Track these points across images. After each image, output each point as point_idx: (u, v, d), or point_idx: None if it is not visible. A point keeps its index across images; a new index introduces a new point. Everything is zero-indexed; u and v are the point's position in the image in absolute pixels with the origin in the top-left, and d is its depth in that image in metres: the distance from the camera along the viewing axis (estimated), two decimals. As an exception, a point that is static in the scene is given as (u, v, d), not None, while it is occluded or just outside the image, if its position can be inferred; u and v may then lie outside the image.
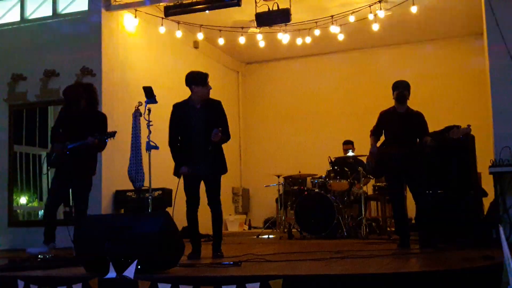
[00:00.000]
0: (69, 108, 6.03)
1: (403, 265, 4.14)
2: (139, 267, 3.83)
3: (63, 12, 8.79)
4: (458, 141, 5.69)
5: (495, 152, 6.17)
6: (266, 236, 8.80)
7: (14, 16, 9.07)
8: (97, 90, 6.36)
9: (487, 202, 6.90)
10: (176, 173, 5.43)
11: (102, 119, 6.00)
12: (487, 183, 7.50)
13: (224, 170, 5.48)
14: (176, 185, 5.43)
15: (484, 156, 6.65)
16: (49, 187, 6.28)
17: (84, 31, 8.41)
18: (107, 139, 5.77)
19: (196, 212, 5.49)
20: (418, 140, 5.91)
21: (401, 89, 5.95)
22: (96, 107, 6.18)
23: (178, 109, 5.53)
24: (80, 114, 5.95)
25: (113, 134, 5.76)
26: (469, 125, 5.67)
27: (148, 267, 3.93)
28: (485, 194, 6.92)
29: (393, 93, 5.99)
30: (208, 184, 5.42)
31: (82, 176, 5.94)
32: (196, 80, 5.50)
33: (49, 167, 6.10)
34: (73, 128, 5.86)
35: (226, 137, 5.36)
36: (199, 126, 5.32)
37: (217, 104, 5.52)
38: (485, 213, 6.75)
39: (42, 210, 8.80)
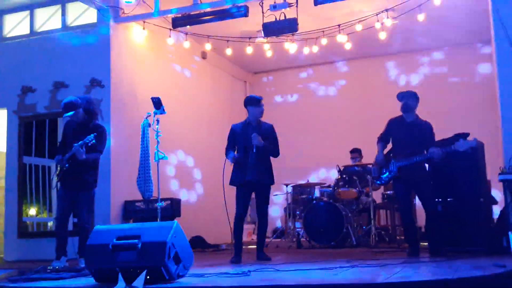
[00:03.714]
0: (70, 120, 6.12)
1: (413, 273, 4.11)
2: (148, 277, 3.84)
3: (73, 24, 8.87)
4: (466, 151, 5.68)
5: (505, 159, 6.13)
6: (275, 246, 8.77)
7: (24, 29, 9.16)
8: (96, 103, 6.44)
9: (497, 209, 6.86)
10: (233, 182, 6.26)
11: (100, 130, 6.04)
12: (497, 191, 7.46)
13: (271, 180, 6.23)
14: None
15: (494, 163, 6.62)
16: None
17: (93, 43, 8.48)
18: (89, 142, 5.75)
19: (243, 220, 6.18)
20: (425, 150, 5.91)
21: (406, 100, 5.97)
22: (96, 118, 6.24)
23: (237, 126, 6.34)
24: (80, 127, 6.04)
25: (90, 138, 5.76)
26: (475, 138, 5.67)
27: (157, 277, 3.93)
28: (494, 201, 6.87)
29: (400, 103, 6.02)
30: (258, 194, 6.19)
31: (80, 189, 5.98)
32: (251, 102, 6.35)
33: (57, 181, 6.16)
34: (73, 141, 5.92)
35: (273, 150, 6.23)
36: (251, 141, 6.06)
37: (270, 126, 6.40)
38: (495, 220, 6.70)
39: (52, 222, 8.84)
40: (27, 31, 9.11)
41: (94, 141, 5.79)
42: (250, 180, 6.06)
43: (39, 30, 9.08)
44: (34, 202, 9.25)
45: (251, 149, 6.03)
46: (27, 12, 9.14)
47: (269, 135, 6.25)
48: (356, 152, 9.27)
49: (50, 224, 9.21)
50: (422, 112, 6.22)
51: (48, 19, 9.05)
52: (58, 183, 6.12)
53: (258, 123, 6.29)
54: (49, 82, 8.61)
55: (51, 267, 5.50)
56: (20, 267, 6.15)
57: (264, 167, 6.15)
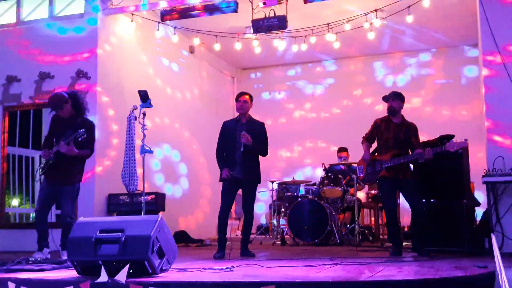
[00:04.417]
0: (57, 115, 6.06)
1: (396, 272, 4.13)
2: (131, 271, 3.82)
3: (60, 14, 8.77)
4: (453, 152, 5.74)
5: (488, 162, 6.19)
6: (259, 242, 8.78)
7: (10, 18, 9.03)
8: (83, 97, 6.38)
9: (479, 211, 6.93)
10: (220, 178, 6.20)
11: (89, 126, 5.98)
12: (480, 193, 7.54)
13: (258, 179, 6.23)
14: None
15: (477, 165, 6.68)
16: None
17: (80, 34, 8.40)
18: (80, 137, 5.69)
19: (227, 215, 6.13)
20: (410, 150, 5.96)
21: (391, 102, 6.02)
22: (83, 113, 6.17)
23: (227, 123, 6.33)
24: (68, 122, 5.98)
25: (81, 133, 5.71)
26: (466, 139, 5.72)
27: (139, 271, 3.91)
28: (477, 203, 6.94)
29: None
30: (244, 191, 6.17)
31: (65, 182, 5.93)
32: (236, 98, 6.35)
33: (41, 174, 6.11)
34: (61, 135, 5.87)
35: (261, 148, 6.17)
36: (239, 138, 6.06)
37: (261, 124, 6.32)
38: (477, 222, 6.77)
39: (34, 213, 8.76)
40: (14, 20, 8.99)
41: (85, 135, 5.74)
42: (237, 177, 6.06)
43: (25, 20, 8.97)
44: (17, 193, 9.17)
45: (239, 147, 6.02)
46: (14, 1, 9.02)
47: (259, 133, 6.22)
48: (343, 151, 9.31)
49: (32, 215, 9.12)
50: (408, 112, 6.26)
51: (35, 9, 8.94)
52: (42, 176, 6.06)
53: (250, 120, 6.25)
54: (35, 72, 8.52)
55: (33, 259, 5.45)
56: (1, 258, 6.08)
57: (252, 165, 6.14)
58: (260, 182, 6.30)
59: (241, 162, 6.06)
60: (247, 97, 6.25)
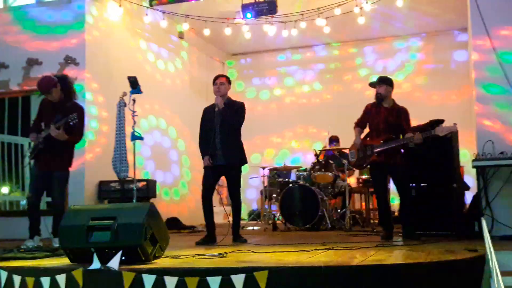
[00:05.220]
0: (46, 99, 5.99)
1: (387, 257, 4.16)
2: (123, 258, 3.81)
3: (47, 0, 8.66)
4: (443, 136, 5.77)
5: (478, 146, 6.22)
6: (251, 228, 8.81)
7: (-3, 3, 8.93)
8: (72, 81, 6.31)
9: (469, 195, 6.99)
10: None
11: (79, 111, 5.91)
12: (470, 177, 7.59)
13: (241, 162, 6.12)
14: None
15: (467, 149, 6.73)
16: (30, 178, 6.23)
17: (68, 20, 8.31)
18: (71, 121, 5.64)
19: (209, 201, 6.06)
20: (401, 135, 5.98)
21: (377, 88, 6.02)
22: (73, 98, 6.11)
23: (206, 109, 6.23)
24: (57, 106, 5.92)
25: (73, 118, 5.66)
26: (455, 124, 5.74)
27: (132, 258, 3.91)
28: (467, 187, 6.99)
29: None
30: (228, 177, 6.12)
31: (55, 168, 5.89)
32: (213, 81, 6.16)
33: (30, 159, 6.04)
34: (50, 120, 5.81)
35: (236, 118, 6.02)
36: (218, 123, 5.98)
37: (240, 103, 6.17)
38: (467, 206, 6.82)
39: (25, 201, 8.71)
40: (1, 6, 8.87)
41: (76, 119, 5.68)
42: (220, 164, 5.97)
43: (13, 5, 8.84)
44: (7, 180, 9.10)
45: (215, 130, 5.93)
46: (1, -14, 8.91)
47: (238, 108, 6.08)
48: (334, 141, 9.32)
49: (23, 203, 9.07)
50: (397, 97, 6.26)
51: (22, -6, 8.83)
52: (31, 161, 6.01)
53: (229, 102, 6.09)
54: (23, 59, 8.42)
55: (25, 247, 5.43)
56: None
57: (233, 149, 6.05)
58: (244, 163, 6.19)
59: (222, 147, 5.96)
60: (223, 79, 6.11)
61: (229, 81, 6.19)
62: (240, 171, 6.18)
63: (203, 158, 6.07)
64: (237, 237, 6.09)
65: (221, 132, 5.98)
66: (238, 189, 6.15)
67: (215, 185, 6.13)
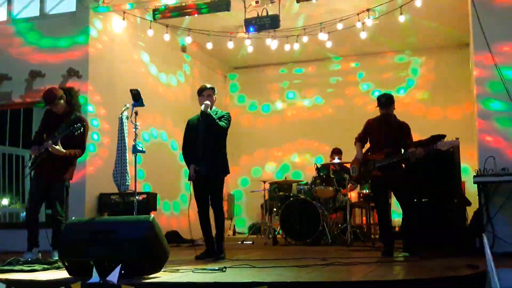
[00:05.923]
0: (50, 110, 5.99)
1: (387, 273, 4.14)
2: (122, 271, 3.79)
3: (51, 12, 8.72)
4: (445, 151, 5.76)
5: (480, 162, 6.21)
6: (251, 242, 8.77)
7: (0, 16, 8.97)
8: (78, 94, 6.31)
9: (470, 211, 6.96)
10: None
11: (84, 124, 5.88)
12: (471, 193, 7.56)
13: (222, 172, 6.08)
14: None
15: (468, 164, 6.71)
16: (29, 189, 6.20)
17: (72, 33, 8.35)
18: (75, 132, 5.61)
19: (206, 214, 6.05)
20: (402, 150, 5.97)
21: (385, 110, 6.01)
22: (77, 111, 6.11)
23: (190, 120, 6.27)
24: (61, 117, 5.91)
25: (77, 128, 5.63)
26: (457, 138, 5.74)
27: (131, 272, 3.89)
28: (468, 203, 6.97)
29: None
30: (210, 188, 6.02)
31: (55, 179, 5.86)
32: (198, 92, 6.29)
33: (30, 170, 6.02)
34: (53, 130, 5.81)
35: (216, 122, 5.98)
36: (202, 132, 6.02)
37: (224, 113, 6.19)
38: (468, 222, 6.79)
39: (25, 213, 8.70)
40: (4, 18, 8.92)
41: (82, 129, 5.67)
42: (203, 175, 5.97)
43: (16, 18, 8.90)
44: (7, 192, 9.09)
45: (198, 139, 5.97)
46: (5, -1, 8.98)
47: (222, 115, 6.12)
48: (337, 153, 9.31)
49: (23, 214, 9.05)
50: (399, 112, 6.26)
51: (26, 6, 8.88)
52: (32, 172, 5.99)
53: (215, 110, 6.15)
54: (25, 71, 8.45)
55: (23, 259, 5.40)
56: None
57: (215, 159, 6.02)
58: (226, 174, 6.17)
59: (205, 157, 5.94)
60: (211, 91, 6.18)
61: (214, 92, 6.26)
62: (222, 182, 6.14)
63: (188, 169, 6.07)
64: (219, 251, 5.89)
65: (204, 141, 5.99)
66: (220, 200, 6.04)
67: (208, 195, 6.05)
